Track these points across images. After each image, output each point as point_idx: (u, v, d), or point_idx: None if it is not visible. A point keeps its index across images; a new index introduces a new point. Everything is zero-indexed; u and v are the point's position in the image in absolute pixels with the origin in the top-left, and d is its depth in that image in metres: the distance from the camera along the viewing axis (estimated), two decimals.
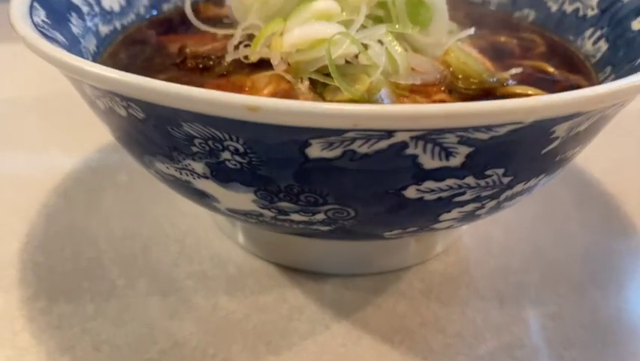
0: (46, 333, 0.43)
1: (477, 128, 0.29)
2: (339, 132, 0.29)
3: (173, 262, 0.50)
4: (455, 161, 0.32)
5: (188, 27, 0.52)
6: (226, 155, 0.33)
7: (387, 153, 0.31)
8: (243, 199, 0.37)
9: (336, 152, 0.31)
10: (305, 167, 0.32)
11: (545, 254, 0.51)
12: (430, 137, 0.30)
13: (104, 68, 0.31)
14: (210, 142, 0.32)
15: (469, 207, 0.37)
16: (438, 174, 0.33)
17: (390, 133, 0.29)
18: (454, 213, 0.37)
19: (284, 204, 0.36)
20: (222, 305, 0.46)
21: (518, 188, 0.37)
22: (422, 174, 0.33)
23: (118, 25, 0.53)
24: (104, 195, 0.58)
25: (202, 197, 0.39)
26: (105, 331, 0.43)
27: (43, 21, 0.41)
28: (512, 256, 0.51)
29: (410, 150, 0.31)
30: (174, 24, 0.57)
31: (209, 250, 0.51)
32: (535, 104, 0.28)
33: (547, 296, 0.47)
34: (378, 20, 0.46)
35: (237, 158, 0.33)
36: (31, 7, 0.42)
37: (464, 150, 0.31)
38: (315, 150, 0.31)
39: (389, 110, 0.27)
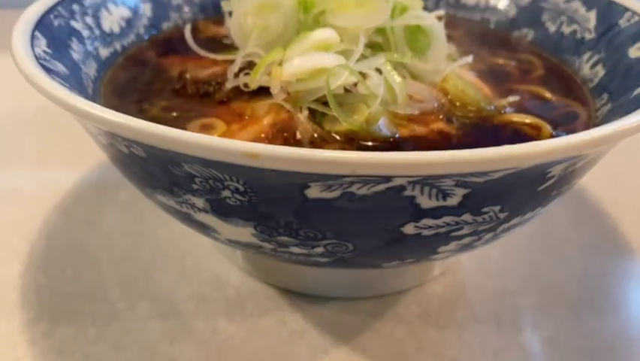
0: (49, 358, 0.43)
1: (473, 174, 0.30)
2: (337, 177, 0.30)
3: (173, 284, 0.50)
4: (452, 201, 0.32)
5: (188, 46, 0.52)
6: (226, 193, 0.33)
7: (386, 195, 0.31)
8: (243, 232, 0.37)
9: (335, 193, 0.31)
10: (304, 206, 0.33)
11: (542, 276, 0.52)
12: (428, 181, 0.30)
13: (107, 110, 0.31)
14: (211, 181, 0.33)
15: (467, 240, 0.37)
16: (435, 213, 0.33)
17: (388, 178, 0.30)
18: (452, 245, 0.38)
19: (283, 239, 0.36)
20: (222, 329, 0.46)
21: (515, 221, 0.38)
22: (420, 213, 0.33)
23: (118, 46, 0.53)
24: (105, 213, 0.58)
25: (202, 227, 0.40)
26: (106, 356, 0.44)
27: (44, 51, 0.41)
28: (509, 277, 0.52)
29: (408, 192, 0.31)
30: (174, 43, 0.57)
31: (208, 272, 0.51)
32: (530, 151, 0.29)
33: (544, 320, 0.47)
34: (376, 47, 0.46)
35: (238, 196, 0.33)
36: (33, 36, 0.42)
37: (461, 191, 0.32)
38: (314, 192, 0.31)
39: (386, 159, 0.28)
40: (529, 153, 0.29)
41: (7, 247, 0.53)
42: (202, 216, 0.37)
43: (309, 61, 0.42)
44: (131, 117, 0.30)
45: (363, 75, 0.42)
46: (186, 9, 0.62)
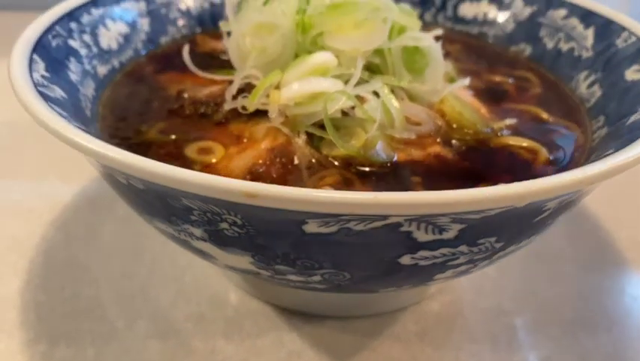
0: None
1: (469, 212, 0.30)
2: (335, 215, 0.30)
3: (172, 303, 0.50)
4: (448, 235, 0.33)
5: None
6: (224, 225, 0.34)
7: (382, 231, 0.31)
8: (241, 260, 0.37)
9: (333, 228, 0.31)
10: (302, 239, 0.33)
11: (538, 293, 0.52)
12: (424, 219, 0.30)
13: (105, 146, 0.31)
14: (209, 214, 0.33)
15: (463, 268, 0.38)
16: (432, 245, 0.33)
17: (384, 216, 0.30)
18: (448, 273, 0.38)
19: (281, 267, 0.37)
20: (220, 349, 0.47)
21: (510, 249, 0.38)
22: (416, 246, 0.33)
23: (116, 63, 0.53)
24: (103, 228, 0.58)
25: (200, 253, 0.40)
26: None
27: (42, 76, 0.41)
28: (505, 295, 0.52)
29: (404, 228, 0.31)
30: (172, 58, 0.57)
31: (207, 289, 0.52)
32: (526, 190, 0.29)
33: (539, 339, 0.48)
34: (374, 67, 0.46)
35: (235, 228, 0.33)
36: (31, 60, 0.42)
37: (457, 227, 0.32)
38: (312, 227, 0.31)
39: (383, 200, 0.28)
40: (526, 192, 0.29)
41: (7, 264, 0.53)
42: (200, 244, 0.38)
43: (307, 85, 0.42)
44: (129, 154, 0.31)
45: (361, 99, 0.43)
46: (184, 22, 0.62)
